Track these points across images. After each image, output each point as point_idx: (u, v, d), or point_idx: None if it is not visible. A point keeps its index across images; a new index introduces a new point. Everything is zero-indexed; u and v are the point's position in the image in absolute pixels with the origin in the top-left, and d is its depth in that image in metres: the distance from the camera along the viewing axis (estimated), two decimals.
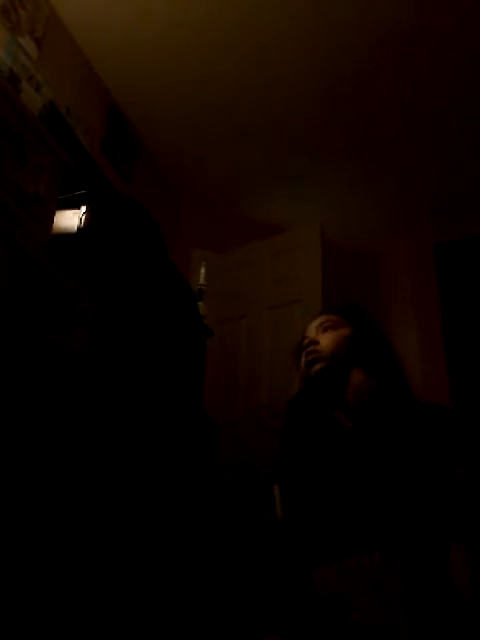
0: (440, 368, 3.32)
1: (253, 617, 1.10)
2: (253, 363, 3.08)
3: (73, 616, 1.22)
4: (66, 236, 1.67)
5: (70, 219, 1.71)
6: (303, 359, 1.31)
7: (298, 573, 1.12)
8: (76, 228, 1.70)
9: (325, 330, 1.34)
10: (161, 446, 1.77)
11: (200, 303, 2.57)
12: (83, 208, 1.72)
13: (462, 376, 3.28)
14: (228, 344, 3.17)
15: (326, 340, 1.31)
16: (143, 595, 1.51)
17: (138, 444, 1.64)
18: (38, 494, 1.22)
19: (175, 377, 2.00)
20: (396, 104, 2.73)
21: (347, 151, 3.06)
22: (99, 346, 1.51)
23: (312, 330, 1.37)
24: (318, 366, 1.27)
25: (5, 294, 1.19)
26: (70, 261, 1.52)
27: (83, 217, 1.71)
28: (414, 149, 3.00)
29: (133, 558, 1.52)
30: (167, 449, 1.81)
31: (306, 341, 1.33)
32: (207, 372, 2.40)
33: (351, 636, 0.99)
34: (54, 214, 1.51)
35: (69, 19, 2.38)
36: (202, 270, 2.88)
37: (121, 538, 1.48)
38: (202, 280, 2.82)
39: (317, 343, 1.31)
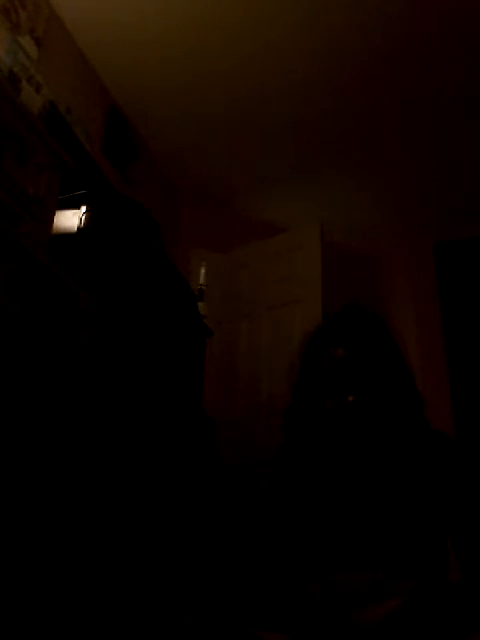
0: (440, 368, 3.33)
1: (252, 615, 1.10)
2: (253, 363, 3.08)
3: (73, 612, 1.22)
4: (66, 236, 1.67)
5: (70, 219, 1.71)
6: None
7: (296, 574, 1.12)
8: (76, 228, 1.70)
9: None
10: (161, 446, 1.77)
11: (200, 303, 2.57)
12: (83, 208, 1.72)
13: (463, 376, 3.28)
14: (228, 344, 3.17)
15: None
16: (143, 593, 1.51)
17: (138, 444, 1.64)
18: (38, 493, 1.22)
19: (175, 377, 2.00)
20: (396, 104, 2.73)
21: (347, 151, 3.06)
22: (99, 346, 1.51)
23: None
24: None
25: (5, 294, 1.19)
26: (70, 261, 1.52)
27: (83, 217, 1.71)
28: (414, 149, 3.00)
29: (133, 557, 1.53)
30: (167, 449, 1.81)
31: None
32: (207, 372, 2.40)
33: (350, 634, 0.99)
34: (54, 214, 1.51)
35: (69, 19, 2.38)
36: (202, 270, 2.89)
37: (121, 537, 1.48)
38: (202, 280, 2.83)
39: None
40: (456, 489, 1.15)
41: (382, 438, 1.19)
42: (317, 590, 1.05)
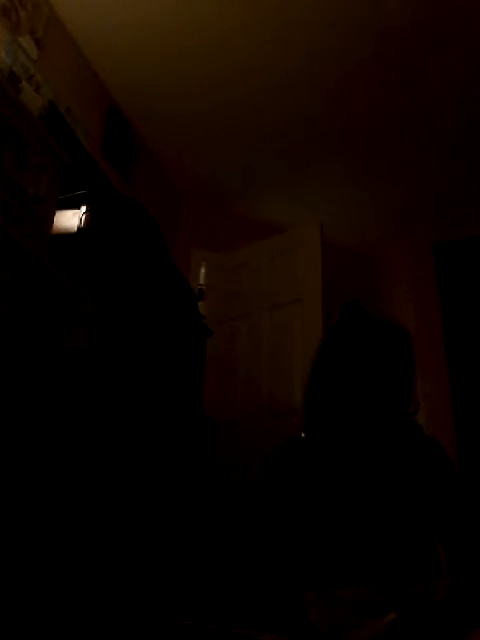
0: (440, 368, 3.33)
1: (251, 616, 1.10)
2: (253, 363, 3.08)
3: (73, 615, 1.22)
4: (66, 236, 1.67)
5: (70, 219, 1.71)
6: None
7: (292, 579, 1.12)
8: (76, 228, 1.70)
9: None
10: (160, 446, 1.77)
11: (200, 303, 2.57)
12: (83, 208, 1.72)
13: (463, 376, 3.28)
14: (228, 344, 3.17)
15: None
16: (142, 595, 1.51)
17: (137, 444, 1.64)
18: (38, 494, 1.22)
19: (175, 377, 2.00)
20: (396, 104, 2.73)
21: (347, 151, 3.06)
22: (99, 346, 1.51)
23: None
24: None
25: (5, 294, 1.19)
26: (70, 261, 1.52)
27: (83, 217, 1.71)
28: (414, 149, 3.00)
29: (133, 557, 1.53)
30: (166, 449, 1.81)
31: None
32: (207, 372, 2.40)
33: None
34: (54, 214, 1.51)
35: (69, 19, 2.38)
36: (202, 270, 2.89)
37: (121, 538, 1.48)
38: (202, 280, 2.83)
39: None
40: (448, 497, 1.16)
41: (378, 446, 1.19)
42: (312, 599, 1.05)
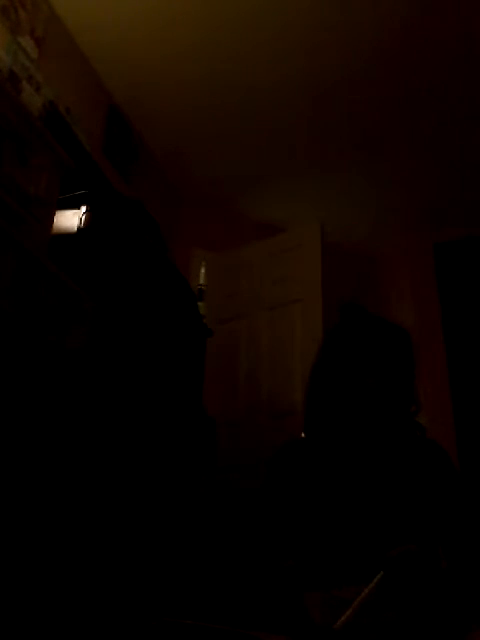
0: (440, 368, 3.32)
1: (252, 616, 1.10)
2: (253, 363, 3.08)
3: (73, 614, 1.22)
4: (66, 236, 1.67)
5: (70, 219, 1.71)
6: None
7: (294, 580, 1.12)
8: (76, 228, 1.70)
9: None
10: (160, 446, 1.77)
11: (200, 303, 2.57)
12: (83, 208, 1.72)
13: (462, 376, 3.28)
14: (228, 344, 3.17)
15: None
16: (142, 595, 1.51)
17: (137, 444, 1.64)
18: (38, 494, 1.22)
19: (175, 377, 2.00)
20: (396, 104, 2.73)
21: (347, 151, 3.06)
22: (99, 346, 1.51)
23: None
24: None
25: (5, 294, 1.19)
26: (70, 261, 1.52)
27: (83, 217, 1.71)
28: (414, 149, 3.00)
29: (133, 557, 1.53)
30: (166, 449, 1.81)
31: None
32: (207, 372, 2.40)
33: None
34: (54, 214, 1.51)
35: (69, 19, 2.38)
36: (202, 270, 2.88)
37: (120, 537, 1.48)
38: (202, 280, 2.82)
39: None
40: (449, 499, 1.16)
41: (379, 447, 1.19)
42: (316, 599, 1.05)
